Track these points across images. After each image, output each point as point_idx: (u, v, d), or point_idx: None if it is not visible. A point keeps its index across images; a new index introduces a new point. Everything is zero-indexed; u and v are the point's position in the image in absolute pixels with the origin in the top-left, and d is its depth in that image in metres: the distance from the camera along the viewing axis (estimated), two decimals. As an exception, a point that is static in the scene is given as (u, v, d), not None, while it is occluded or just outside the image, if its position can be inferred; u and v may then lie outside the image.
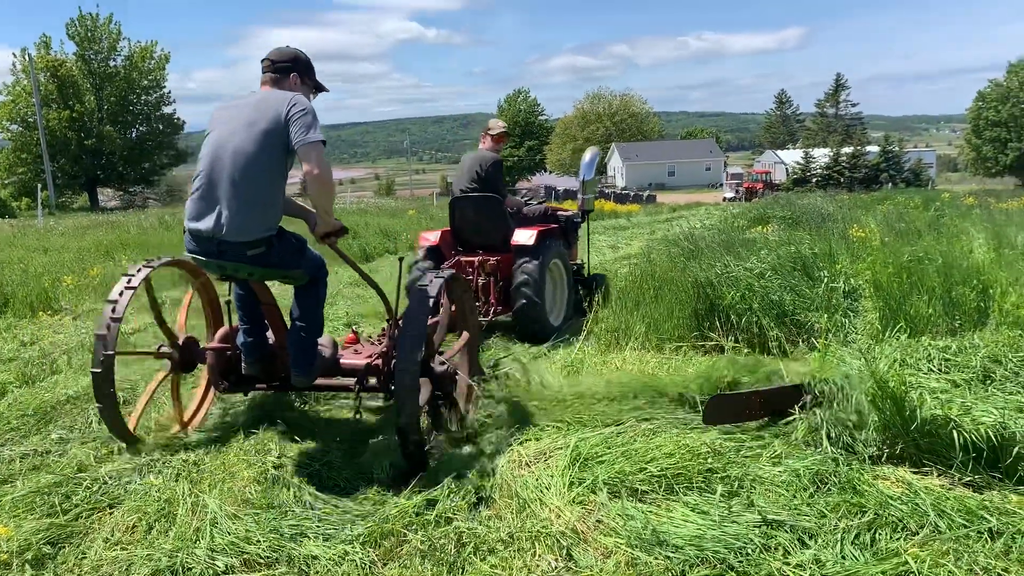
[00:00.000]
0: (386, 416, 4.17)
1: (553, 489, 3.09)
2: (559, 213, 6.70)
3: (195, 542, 2.76)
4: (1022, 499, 2.81)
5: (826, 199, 17.58)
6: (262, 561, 2.68)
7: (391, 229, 15.44)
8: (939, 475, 3.02)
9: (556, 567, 2.61)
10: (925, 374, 4.02)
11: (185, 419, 4.08)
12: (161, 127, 53.20)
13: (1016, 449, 2.96)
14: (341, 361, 3.90)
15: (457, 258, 6.02)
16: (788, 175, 69.94)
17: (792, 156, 75.81)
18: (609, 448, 3.42)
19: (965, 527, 2.63)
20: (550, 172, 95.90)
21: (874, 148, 69.05)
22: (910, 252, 6.28)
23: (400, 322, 3.57)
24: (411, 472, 3.33)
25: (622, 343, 5.35)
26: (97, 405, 3.62)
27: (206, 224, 3.34)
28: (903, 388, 3.19)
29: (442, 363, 3.72)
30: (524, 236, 5.84)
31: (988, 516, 2.68)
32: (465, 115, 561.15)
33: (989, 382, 3.84)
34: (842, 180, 63.20)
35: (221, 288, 4.18)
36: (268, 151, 3.32)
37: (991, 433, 3.04)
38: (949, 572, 2.40)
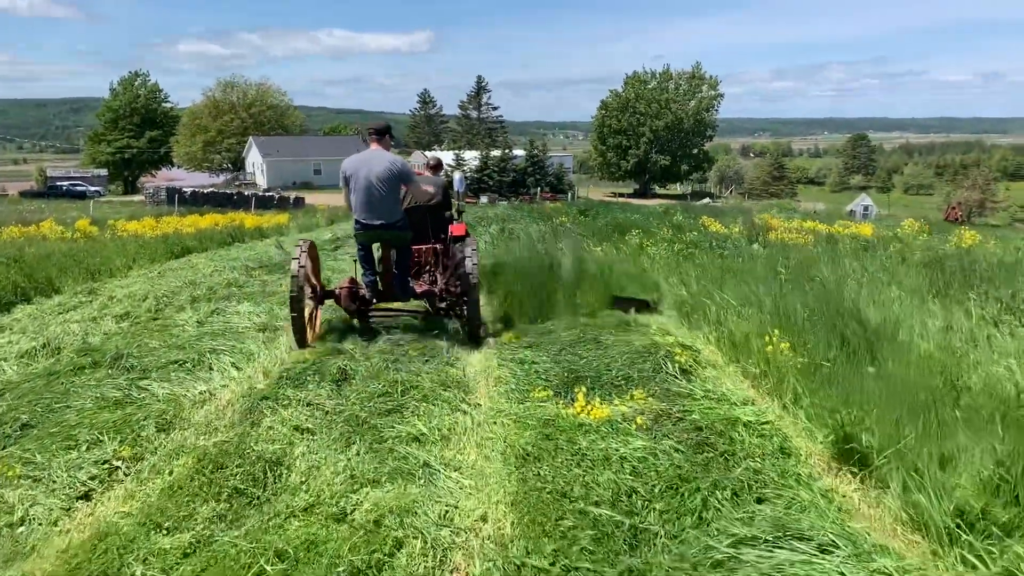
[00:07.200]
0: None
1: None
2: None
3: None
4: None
5: (542, 225, 14.33)
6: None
7: None
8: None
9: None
10: None
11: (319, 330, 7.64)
12: None
13: None
14: (417, 290, 7.47)
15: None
16: (439, 176, 68.49)
17: (441, 158, 74.86)
18: None
19: None
20: (178, 166, 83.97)
21: (520, 152, 70.42)
22: None
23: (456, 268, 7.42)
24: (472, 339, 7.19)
25: None
26: (293, 327, 6.89)
27: (375, 218, 6.80)
28: None
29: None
30: (458, 230, 8.44)
31: None
32: (76, 99, 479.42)
33: None
34: (491, 183, 63.30)
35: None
36: (393, 182, 6.79)
37: None
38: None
